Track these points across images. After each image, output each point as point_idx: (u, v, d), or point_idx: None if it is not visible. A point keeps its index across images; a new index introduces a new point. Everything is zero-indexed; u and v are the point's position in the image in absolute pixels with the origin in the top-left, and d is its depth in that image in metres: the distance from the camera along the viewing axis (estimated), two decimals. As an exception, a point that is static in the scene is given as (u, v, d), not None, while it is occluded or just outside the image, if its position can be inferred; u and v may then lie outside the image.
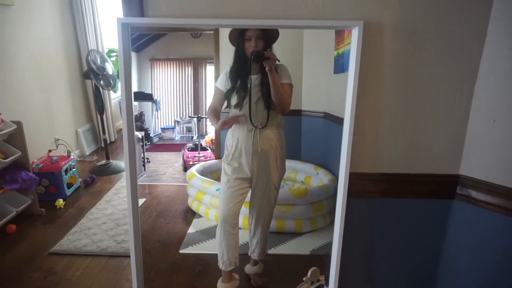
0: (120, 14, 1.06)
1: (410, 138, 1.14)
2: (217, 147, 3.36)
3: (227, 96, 1.72)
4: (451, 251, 1.21)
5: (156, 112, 6.37)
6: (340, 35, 2.37)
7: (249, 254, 1.97)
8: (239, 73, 1.69)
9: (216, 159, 3.40)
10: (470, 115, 1.11)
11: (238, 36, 1.64)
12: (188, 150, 4.16)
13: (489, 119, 1.06)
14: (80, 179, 3.46)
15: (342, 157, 1.09)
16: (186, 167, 3.91)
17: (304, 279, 1.59)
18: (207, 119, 5.87)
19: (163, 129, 6.28)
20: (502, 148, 1.04)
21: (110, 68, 3.84)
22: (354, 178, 1.12)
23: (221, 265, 1.81)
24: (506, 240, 1.05)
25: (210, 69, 6.61)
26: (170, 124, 6.56)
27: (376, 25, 1.03)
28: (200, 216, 2.77)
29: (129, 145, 1.04)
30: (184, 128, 6.45)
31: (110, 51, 5.02)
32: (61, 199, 2.99)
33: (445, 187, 1.17)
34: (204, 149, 4.22)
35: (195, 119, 6.18)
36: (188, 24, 1.01)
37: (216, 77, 1.98)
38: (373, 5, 1.03)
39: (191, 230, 2.58)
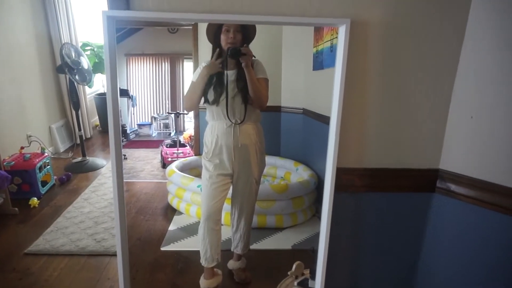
0: (98, 7, 1.03)
1: (393, 133, 1.18)
2: (196, 143, 3.33)
3: (204, 92, 1.71)
4: (431, 242, 1.26)
5: (132, 108, 6.26)
6: (319, 32, 2.41)
7: (232, 250, 1.98)
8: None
9: (195, 155, 3.37)
10: (450, 111, 1.16)
11: (216, 29, 1.64)
12: (167, 147, 4.12)
13: (467, 115, 1.10)
14: (55, 177, 3.35)
15: (329, 153, 1.11)
16: (164, 164, 3.87)
17: (289, 273, 1.61)
18: (185, 115, 5.80)
19: (140, 125, 6.18)
20: (479, 143, 1.09)
21: (85, 63, 3.73)
22: (340, 173, 1.14)
23: (203, 262, 1.80)
24: (482, 231, 1.11)
25: (187, 65, 6.53)
26: (147, 120, 6.46)
27: (362, 23, 1.06)
28: (180, 213, 2.75)
29: (115, 143, 1.02)
30: (161, 124, 6.36)
31: (85, 44, 4.87)
32: (35, 198, 2.88)
33: (425, 181, 1.21)
34: (182, 145, 4.18)
35: (172, 115, 6.10)
36: (175, 19, 1.00)
37: (195, 73, 1.96)
38: (359, 3, 1.05)
39: (172, 227, 2.56)
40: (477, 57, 1.07)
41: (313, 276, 1.29)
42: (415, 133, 1.18)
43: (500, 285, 1.10)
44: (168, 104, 6.49)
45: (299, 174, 2.91)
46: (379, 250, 1.31)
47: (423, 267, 1.30)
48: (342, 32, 1.00)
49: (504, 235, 1.05)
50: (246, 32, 1.64)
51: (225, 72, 1.65)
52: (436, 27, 1.09)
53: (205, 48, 1.73)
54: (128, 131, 5.47)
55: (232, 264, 2.00)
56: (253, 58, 1.63)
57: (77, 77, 3.59)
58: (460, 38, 1.10)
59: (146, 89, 6.35)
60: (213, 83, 1.67)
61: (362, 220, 1.26)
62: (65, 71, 3.49)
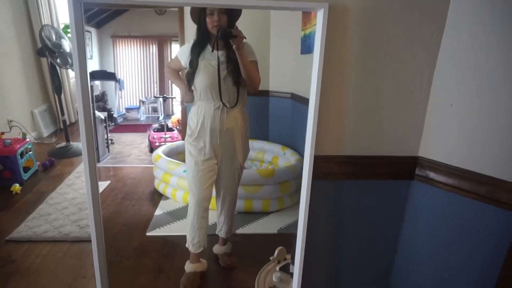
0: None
1: (372, 121, 1.17)
2: (184, 128, 3.30)
3: (191, 75, 1.67)
4: (410, 229, 1.27)
5: (120, 91, 6.14)
6: (307, 15, 2.36)
7: (216, 233, 1.98)
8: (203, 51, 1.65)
9: (182, 139, 3.34)
10: (429, 99, 1.15)
11: (200, 12, 1.59)
12: (154, 131, 4.07)
13: (447, 103, 1.09)
14: (38, 163, 3.29)
15: (307, 140, 1.09)
16: (152, 148, 3.84)
17: (271, 258, 1.63)
18: (173, 99, 5.72)
19: (128, 109, 6.08)
20: (458, 131, 1.08)
21: (67, 45, 3.62)
22: (319, 160, 1.13)
23: (190, 247, 1.80)
24: (460, 218, 1.12)
25: (175, 47, 6.39)
26: (135, 104, 6.36)
27: (341, 8, 1.02)
28: (167, 198, 2.74)
29: (86, 133, 0.99)
30: (150, 108, 6.28)
31: (67, 26, 4.72)
32: (17, 184, 2.83)
33: (405, 168, 1.21)
34: (170, 129, 4.14)
35: (160, 99, 6.01)
36: (146, 2, 0.96)
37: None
38: (338, -14, 1.02)
39: (158, 212, 2.55)
40: (457, 47, 1.06)
41: (293, 261, 1.30)
42: (394, 121, 1.16)
43: (477, 271, 1.12)
44: (157, 87, 6.39)
45: (286, 158, 2.91)
46: (358, 237, 1.32)
47: (402, 254, 1.32)
48: (320, 17, 0.97)
49: (481, 223, 1.07)
50: (231, 14, 1.59)
51: (216, 53, 1.60)
52: (417, 14, 1.07)
53: (191, 30, 1.68)
54: (115, 115, 5.39)
55: (217, 248, 2.00)
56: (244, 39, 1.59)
57: (58, 60, 3.48)
58: (441, 26, 1.08)
59: (134, 72, 6.23)
60: (199, 68, 1.64)
61: (342, 207, 1.26)
62: (45, 54, 3.39)
